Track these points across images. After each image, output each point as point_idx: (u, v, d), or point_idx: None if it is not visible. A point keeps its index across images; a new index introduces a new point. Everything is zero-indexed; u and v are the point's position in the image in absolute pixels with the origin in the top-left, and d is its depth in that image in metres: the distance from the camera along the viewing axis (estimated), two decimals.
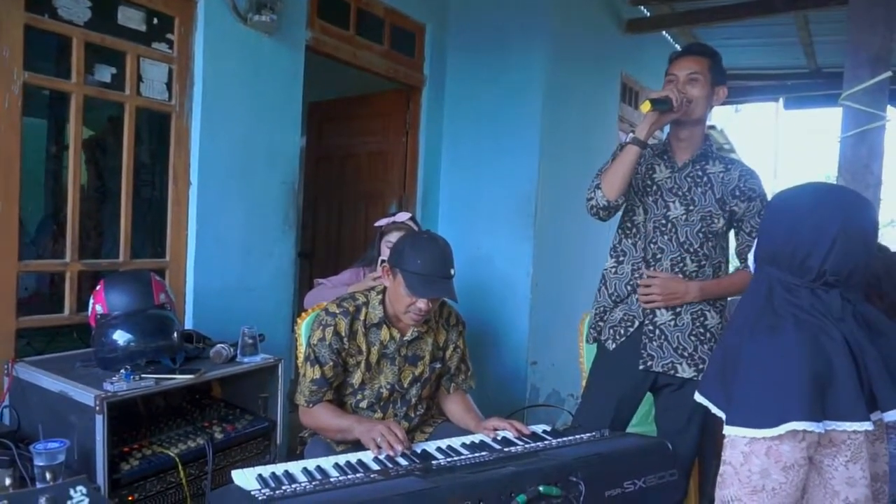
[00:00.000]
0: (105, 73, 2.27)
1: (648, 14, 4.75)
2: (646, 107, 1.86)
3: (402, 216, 2.70)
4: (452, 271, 1.88)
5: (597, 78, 4.26)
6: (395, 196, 3.79)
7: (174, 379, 1.81)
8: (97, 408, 1.60)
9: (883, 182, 2.02)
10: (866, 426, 1.09)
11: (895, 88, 5.20)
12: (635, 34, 4.55)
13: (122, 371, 1.73)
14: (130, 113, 2.32)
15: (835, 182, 2.12)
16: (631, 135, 1.93)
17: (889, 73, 1.88)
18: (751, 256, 1.30)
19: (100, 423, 1.59)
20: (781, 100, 6.78)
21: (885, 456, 1.20)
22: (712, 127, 8.03)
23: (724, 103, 7.63)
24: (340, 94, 4.12)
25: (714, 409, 1.21)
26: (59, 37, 2.13)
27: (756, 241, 1.29)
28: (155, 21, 2.37)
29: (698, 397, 1.26)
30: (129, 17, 2.30)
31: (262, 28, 2.62)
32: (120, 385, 1.67)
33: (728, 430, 1.11)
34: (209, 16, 2.47)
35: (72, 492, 1.10)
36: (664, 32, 5.02)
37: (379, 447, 1.67)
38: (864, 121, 1.95)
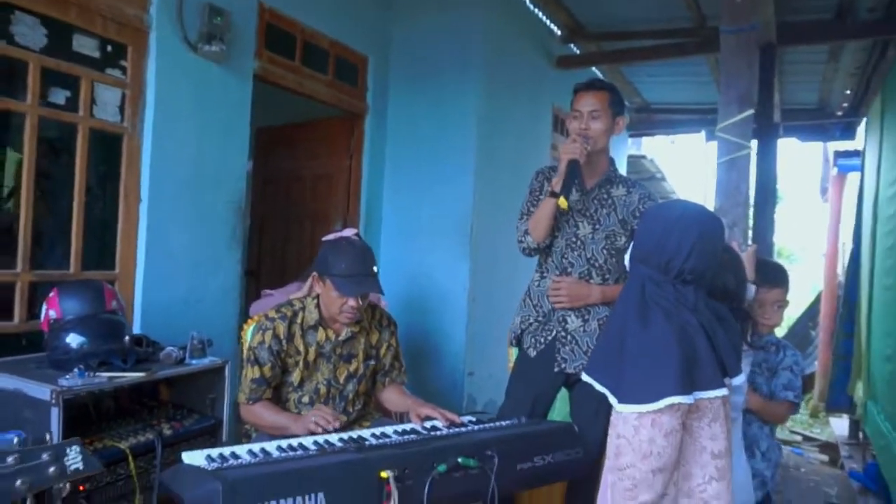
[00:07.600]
0: (60, 96, 2.41)
1: (578, 52, 5.14)
2: (563, 203, 2.05)
3: (349, 231, 2.88)
4: (375, 268, 2.10)
5: (530, 109, 4.58)
6: (340, 216, 3.98)
7: (126, 377, 1.94)
8: (53, 401, 1.72)
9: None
10: (723, 392, 1.39)
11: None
12: (566, 69, 4.92)
13: (76, 370, 1.85)
14: (83, 133, 2.46)
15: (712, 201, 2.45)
16: (549, 189, 2.17)
17: (752, 111, 2.25)
18: (627, 256, 1.57)
19: (55, 415, 1.71)
20: (704, 132, 7.34)
21: (722, 433, 1.45)
22: (643, 157, 8.53)
23: (654, 135, 8.10)
24: (287, 121, 4.31)
25: (598, 387, 1.45)
26: (15, 61, 2.27)
27: (632, 244, 1.56)
28: (109, 48, 2.53)
29: (585, 377, 1.50)
30: (84, 45, 2.45)
31: (211, 57, 2.81)
32: (74, 381, 1.80)
33: (621, 408, 1.36)
34: (161, 45, 2.64)
35: (68, 450, 1.24)
36: (593, 68, 5.42)
37: (317, 424, 1.87)
38: (733, 149, 2.32)
